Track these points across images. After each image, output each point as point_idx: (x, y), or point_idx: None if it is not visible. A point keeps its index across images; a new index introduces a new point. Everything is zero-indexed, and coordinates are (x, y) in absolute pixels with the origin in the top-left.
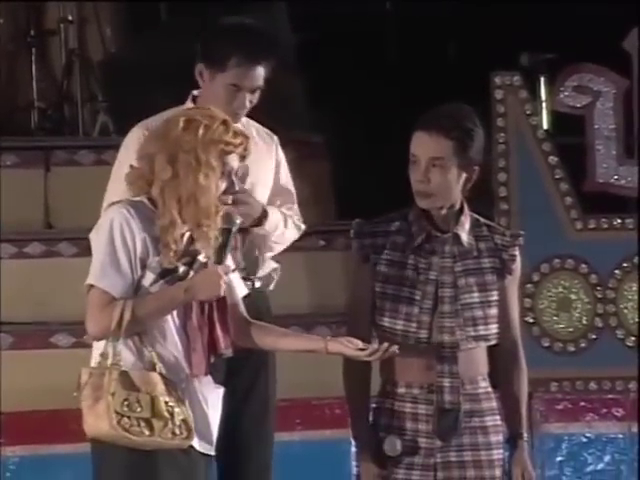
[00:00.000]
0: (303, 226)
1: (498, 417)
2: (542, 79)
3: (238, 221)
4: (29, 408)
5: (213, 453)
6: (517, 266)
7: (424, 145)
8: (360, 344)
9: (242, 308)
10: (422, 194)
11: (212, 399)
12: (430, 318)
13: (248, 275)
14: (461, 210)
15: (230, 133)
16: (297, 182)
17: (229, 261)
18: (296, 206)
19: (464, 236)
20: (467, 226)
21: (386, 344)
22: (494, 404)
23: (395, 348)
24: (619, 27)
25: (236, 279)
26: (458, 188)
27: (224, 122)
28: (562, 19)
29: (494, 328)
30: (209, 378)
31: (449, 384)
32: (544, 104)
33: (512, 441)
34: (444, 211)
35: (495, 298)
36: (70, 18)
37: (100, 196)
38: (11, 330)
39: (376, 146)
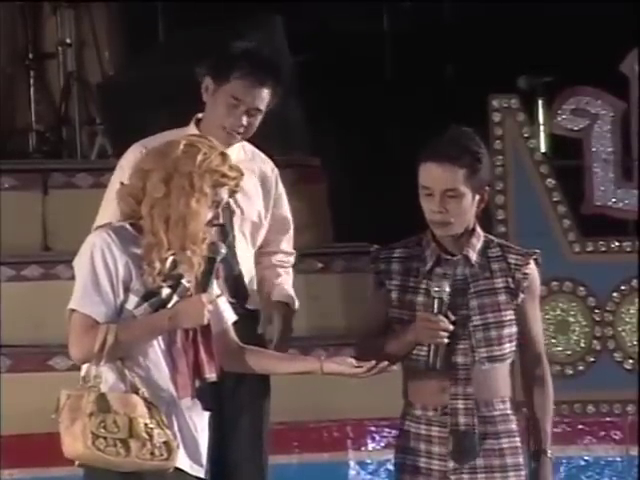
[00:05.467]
0: (292, 258)
1: (517, 439)
2: (540, 102)
3: (223, 250)
4: (27, 431)
5: (203, 475)
6: (532, 283)
7: (436, 177)
8: (354, 362)
9: (232, 334)
10: (439, 224)
11: (200, 422)
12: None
13: (237, 299)
14: (473, 231)
15: (227, 165)
16: (295, 205)
17: (214, 288)
18: (291, 232)
19: (474, 257)
20: (478, 246)
21: (386, 362)
22: (512, 426)
23: (388, 364)
24: (617, 50)
25: (224, 305)
26: (473, 211)
27: (222, 154)
28: (560, 42)
29: (508, 348)
30: (196, 402)
31: (463, 406)
32: (542, 127)
33: (535, 456)
34: (456, 235)
35: (509, 318)
36: (68, 41)
37: None
38: (9, 352)
39: (375, 168)
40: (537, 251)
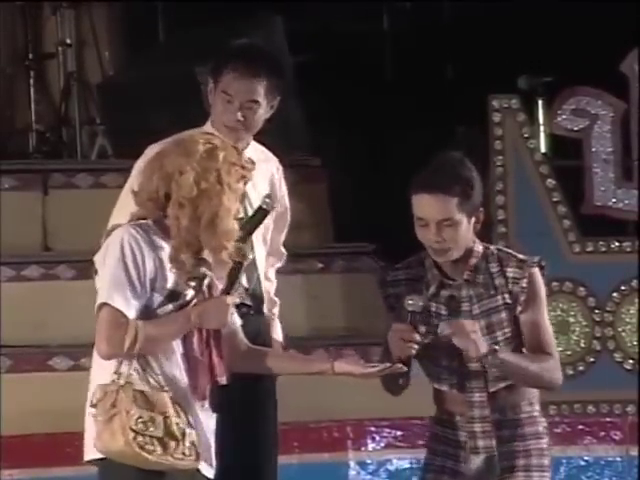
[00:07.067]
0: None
1: (543, 441)
2: (540, 102)
3: (251, 255)
4: (27, 431)
5: (212, 477)
6: (531, 293)
7: (430, 208)
8: (363, 363)
9: (241, 335)
10: (439, 251)
11: (211, 424)
12: (457, 363)
13: (254, 302)
14: (470, 250)
15: (242, 158)
16: (295, 205)
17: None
18: (286, 231)
19: (476, 278)
20: (478, 265)
21: (398, 365)
22: (539, 428)
23: (400, 365)
24: (617, 50)
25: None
26: (470, 234)
27: (235, 147)
28: (560, 42)
29: None
30: (207, 404)
31: (481, 429)
32: (542, 127)
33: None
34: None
35: (515, 333)
36: (68, 41)
37: (98, 219)
38: (9, 352)
39: (375, 168)
40: (536, 260)
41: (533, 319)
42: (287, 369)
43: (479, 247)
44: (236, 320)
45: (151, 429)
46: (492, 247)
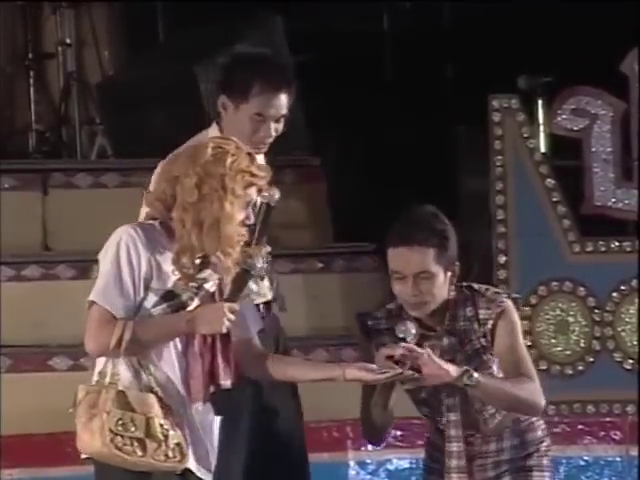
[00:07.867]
0: None
1: (544, 444)
2: (540, 102)
3: (259, 265)
4: (27, 431)
5: None
6: (501, 328)
7: (407, 262)
8: (375, 368)
9: (256, 341)
10: (415, 305)
11: (209, 426)
12: (445, 409)
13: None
14: (447, 301)
15: (254, 166)
16: (295, 205)
17: (253, 293)
18: None
19: (455, 326)
20: (458, 313)
21: (409, 372)
22: (538, 433)
23: (411, 372)
24: (617, 50)
25: (251, 311)
26: (446, 287)
27: (249, 154)
28: (560, 42)
29: None
30: (208, 406)
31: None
32: (542, 127)
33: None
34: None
35: (496, 371)
36: (68, 41)
37: (98, 219)
38: (9, 352)
39: (375, 168)
40: (504, 298)
41: (509, 350)
42: (298, 376)
43: (453, 293)
44: (256, 324)
45: (132, 430)
46: (464, 286)
